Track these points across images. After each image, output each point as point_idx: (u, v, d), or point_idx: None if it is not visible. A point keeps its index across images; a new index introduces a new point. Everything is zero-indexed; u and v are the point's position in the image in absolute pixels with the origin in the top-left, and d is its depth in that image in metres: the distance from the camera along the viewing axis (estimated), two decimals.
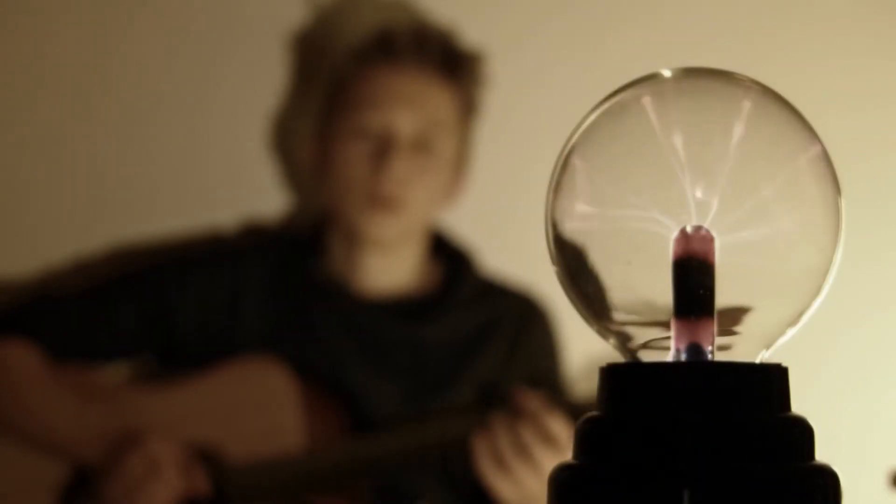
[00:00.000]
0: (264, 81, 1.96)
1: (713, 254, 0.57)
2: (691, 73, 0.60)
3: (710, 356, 0.56)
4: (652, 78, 0.60)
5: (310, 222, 1.88)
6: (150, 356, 1.80)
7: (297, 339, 1.75)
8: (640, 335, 0.59)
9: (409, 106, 1.75)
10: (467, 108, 1.81)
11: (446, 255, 1.86)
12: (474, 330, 1.81)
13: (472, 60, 1.82)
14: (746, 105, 0.59)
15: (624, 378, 0.57)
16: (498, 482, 1.62)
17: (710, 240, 0.57)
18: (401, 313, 1.79)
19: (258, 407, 1.70)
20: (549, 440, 1.59)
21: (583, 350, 1.88)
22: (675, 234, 0.57)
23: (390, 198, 1.73)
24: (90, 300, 1.75)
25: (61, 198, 1.93)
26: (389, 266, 1.80)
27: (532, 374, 1.81)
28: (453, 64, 1.79)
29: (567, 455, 0.57)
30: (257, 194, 1.96)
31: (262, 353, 1.73)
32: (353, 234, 1.77)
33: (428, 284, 1.83)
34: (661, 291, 0.57)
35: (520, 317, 1.84)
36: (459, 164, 1.81)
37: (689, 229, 0.57)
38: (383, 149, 1.73)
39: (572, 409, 1.62)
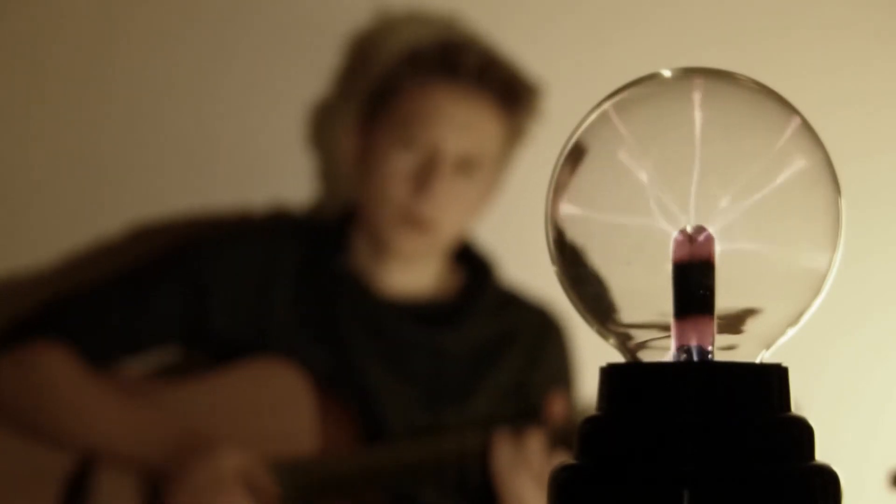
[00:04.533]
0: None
1: (713, 254, 0.57)
2: (691, 74, 0.60)
3: (710, 356, 0.56)
4: (652, 78, 0.60)
5: (337, 214, 1.85)
6: (180, 343, 1.76)
7: (319, 331, 1.74)
8: (640, 335, 0.59)
9: (462, 131, 1.71)
10: (515, 140, 1.77)
11: (469, 262, 1.84)
12: (491, 340, 1.80)
13: (531, 95, 1.77)
14: (746, 105, 0.59)
15: (624, 378, 0.57)
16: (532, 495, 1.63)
17: (710, 240, 0.57)
18: (419, 317, 1.78)
19: (270, 408, 1.69)
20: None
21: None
22: (675, 234, 0.57)
23: (426, 220, 1.71)
24: (123, 289, 1.72)
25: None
26: (411, 273, 1.79)
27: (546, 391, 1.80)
28: (513, 98, 1.74)
29: None
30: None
31: (278, 348, 1.72)
32: (380, 243, 1.76)
33: (448, 290, 1.82)
34: (662, 291, 0.57)
35: (537, 331, 1.82)
36: (493, 185, 1.79)
37: (689, 229, 0.57)
38: (428, 169, 1.70)
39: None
